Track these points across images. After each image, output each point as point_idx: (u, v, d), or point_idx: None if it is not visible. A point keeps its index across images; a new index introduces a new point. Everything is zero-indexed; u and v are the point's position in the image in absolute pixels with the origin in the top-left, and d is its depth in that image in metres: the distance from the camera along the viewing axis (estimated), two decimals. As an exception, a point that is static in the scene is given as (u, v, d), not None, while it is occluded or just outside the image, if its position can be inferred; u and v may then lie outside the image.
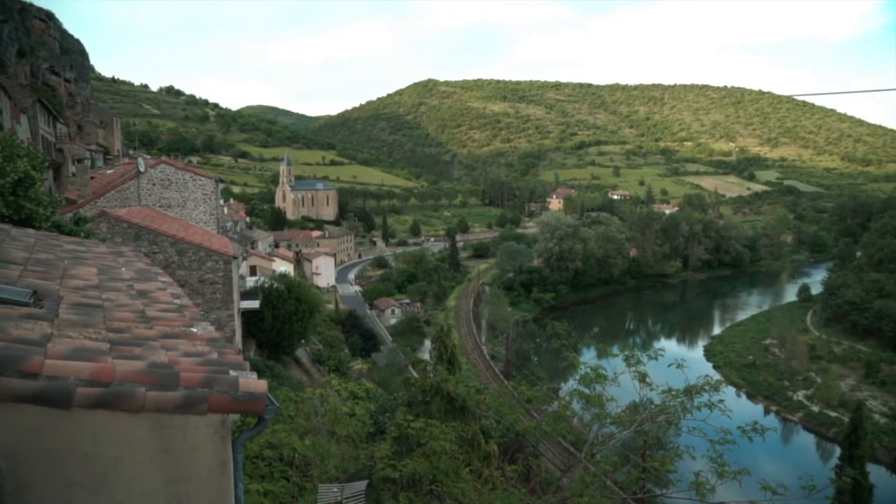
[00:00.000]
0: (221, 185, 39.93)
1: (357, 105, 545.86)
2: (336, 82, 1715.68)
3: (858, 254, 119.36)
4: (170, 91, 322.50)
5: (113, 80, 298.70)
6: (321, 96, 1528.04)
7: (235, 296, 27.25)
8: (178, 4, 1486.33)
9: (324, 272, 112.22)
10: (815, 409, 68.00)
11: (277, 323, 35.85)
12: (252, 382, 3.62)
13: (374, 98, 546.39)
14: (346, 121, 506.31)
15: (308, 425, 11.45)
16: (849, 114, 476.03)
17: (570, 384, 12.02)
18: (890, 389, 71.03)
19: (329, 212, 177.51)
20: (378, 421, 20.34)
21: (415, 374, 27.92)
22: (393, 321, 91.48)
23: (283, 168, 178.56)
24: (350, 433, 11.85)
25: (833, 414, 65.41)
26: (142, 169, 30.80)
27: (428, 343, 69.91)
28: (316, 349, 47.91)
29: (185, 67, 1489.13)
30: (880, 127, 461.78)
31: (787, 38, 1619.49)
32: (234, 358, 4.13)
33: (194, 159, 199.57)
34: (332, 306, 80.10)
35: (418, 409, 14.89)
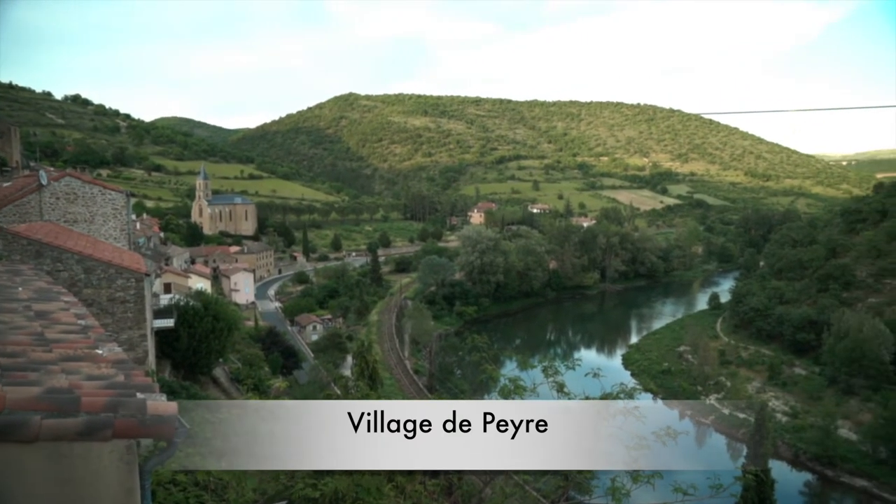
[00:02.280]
0: (133, 200, 38.32)
1: (276, 118, 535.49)
2: (255, 95, 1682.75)
3: (762, 263, 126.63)
4: (76, 100, 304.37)
5: (10, 86, 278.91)
6: (239, 109, 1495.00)
7: (148, 315, 26.19)
8: (84, 9, 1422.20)
9: (243, 288, 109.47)
10: (726, 411, 71.28)
11: (194, 342, 34.65)
12: (161, 405, 3.51)
13: (294, 111, 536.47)
14: (265, 134, 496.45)
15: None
16: (750, 132, 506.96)
17: (493, 395, 12.12)
18: (790, 390, 75.55)
19: (248, 227, 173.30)
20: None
21: (337, 390, 27.62)
22: (315, 337, 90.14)
23: (199, 182, 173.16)
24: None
25: (741, 415, 68.75)
26: (44, 182, 29.20)
27: (350, 359, 69.16)
28: (235, 368, 46.56)
29: (93, 76, 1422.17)
30: (777, 145, 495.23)
31: (695, 63, 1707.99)
32: (143, 380, 3.99)
33: (104, 172, 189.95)
34: (251, 323, 78.18)
35: (340, 426, 14.67)
